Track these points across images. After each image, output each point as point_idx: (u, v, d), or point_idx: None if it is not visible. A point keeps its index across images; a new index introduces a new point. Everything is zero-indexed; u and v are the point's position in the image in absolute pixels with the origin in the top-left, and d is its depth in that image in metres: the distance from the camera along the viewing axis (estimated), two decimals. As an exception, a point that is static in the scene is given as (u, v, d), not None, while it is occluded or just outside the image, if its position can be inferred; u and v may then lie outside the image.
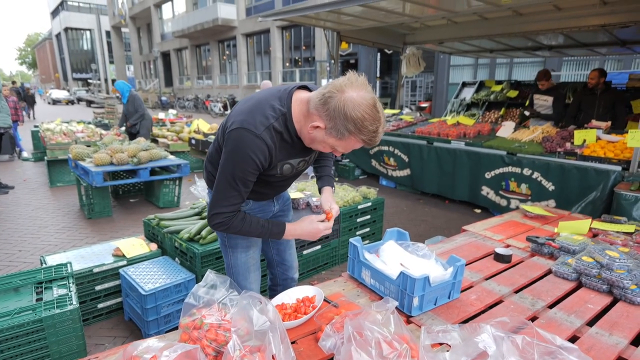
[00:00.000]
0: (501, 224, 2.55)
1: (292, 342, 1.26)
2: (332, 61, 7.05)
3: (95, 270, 2.52)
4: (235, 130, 1.29)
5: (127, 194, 5.70)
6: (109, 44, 41.98)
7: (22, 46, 79.62)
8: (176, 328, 1.26)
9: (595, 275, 1.68)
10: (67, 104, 31.62)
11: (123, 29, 40.48)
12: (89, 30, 46.99)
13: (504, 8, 4.91)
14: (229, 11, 23.19)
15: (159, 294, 2.34)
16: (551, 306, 1.56)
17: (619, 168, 3.70)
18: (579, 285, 1.73)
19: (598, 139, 4.18)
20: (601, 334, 1.36)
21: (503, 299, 1.61)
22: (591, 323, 1.45)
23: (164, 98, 26.97)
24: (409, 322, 1.41)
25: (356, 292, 1.61)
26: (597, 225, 2.40)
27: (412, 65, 7.50)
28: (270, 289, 2.00)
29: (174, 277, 2.45)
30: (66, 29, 47.31)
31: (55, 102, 31.62)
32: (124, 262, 2.63)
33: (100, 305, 2.62)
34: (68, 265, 2.26)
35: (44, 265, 2.29)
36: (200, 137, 7.57)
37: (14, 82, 17.77)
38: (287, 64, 22.08)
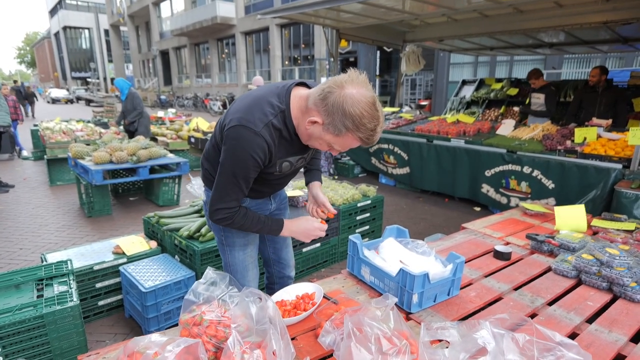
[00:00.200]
0: (501, 221, 2.55)
1: (292, 339, 1.26)
2: (332, 59, 7.04)
3: (96, 267, 2.53)
4: (234, 127, 1.28)
5: (126, 193, 5.70)
6: (108, 42, 41.89)
7: (21, 45, 79.54)
8: (176, 325, 1.26)
9: (595, 273, 1.68)
10: (66, 103, 31.56)
11: (121, 28, 40.38)
12: (88, 28, 46.83)
13: (504, 5, 4.90)
14: (228, 9, 23.14)
15: (159, 292, 2.34)
16: (551, 303, 1.56)
17: (619, 166, 3.70)
18: (579, 283, 1.73)
19: (599, 136, 4.18)
20: (600, 331, 1.37)
21: (502, 296, 1.61)
22: (591, 320, 1.45)
23: (163, 97, 26.93)
24: (408, 318, 1.41)
25: (356, 289, 1.61)
26: (597, 223, 2.40)
27: (412, 63, 7.48)
28: (267, 287, 2.00)
29: (174, 274, 2.46)
30: (65, 28, 47.20)
31: (54, 101, 31.57)
32: (124, 260, 2.64)
33: (100, 303, 2.63)
34: (68, 262, 2.26)
35: (44, 263, 2.30)
36: (199, 135, 7.57)
37: (15, 82, 17.82)
38: (287, 62, 22.05)
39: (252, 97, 1.37)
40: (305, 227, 1.54)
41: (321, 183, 1.77)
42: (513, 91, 7.35)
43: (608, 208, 3.63)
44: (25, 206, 5.13)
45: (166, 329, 2.36)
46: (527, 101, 5.95)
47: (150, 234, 3.06)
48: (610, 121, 4.60)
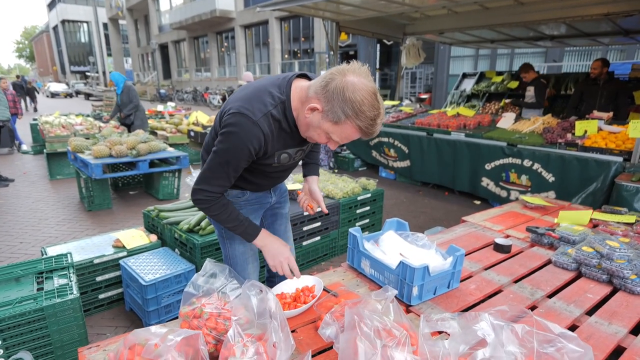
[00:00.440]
0: (501, 214, 2.54)
1: (292, 331, 1.26)
2: (332, 52, 6.99)
3: (96, 261, 2.53)
4: (233, 114, 1.27)
5: (126, 187, 5.70)
6: (107, 36, 41.60)
7: (20, 39, 79.14)
8: (177, 318, 1.26)
9: (595, 265, 1.68)
10: (65, 97, 31.48)
11: (120, 21, 40.09)
12: (86, 22, 46.52)
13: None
14: (227, 2, 22.96)
15: (159, 285, 2.35)
16: (550, 296, 1.56)
17: (620, 159, 3.69)
18: (579, 275, 1.73)
19: (599, 129, 4.16)
20: (600, 323, 1.37)
21: (502, 288, 1.61)
22: (590, 312, 1.45)
23: (162, 91, 26.82)
24: (408, 311, 1.41)
25: (356, 281, 1.61)
26: (598, 216, 2.39)
27: (412, 56, 7.43)
28: (268, 280, 2.00)
29: (174, 267, 2.46)
30: (63, 22, 46.87)
31: (53, 95, 31.49)
32: (124, 253, 2.64)
33: (101, 296, 2.63)
34: (68, 255, 2.26)
35: (44, 256, 2.30)
36: (199, 129, 7.55)
37: (18, 77, 17.82)
38: (286, 56, 21.93)
39: (252, 87, 1.36)
40: (278, 249, 1.49)
41: (318, 177, 1.76)
42: (514, 84, 7.31)
43: (608, 201, 3.62)
44: (25, 200, 5.12)
45: (166, 322, 2.38)
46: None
47: (150, 228, 3.06)
48: (611, 114, 4.58)
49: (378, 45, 17.04)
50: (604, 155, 3.79)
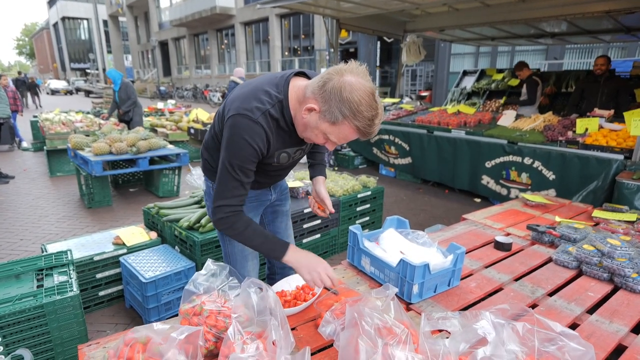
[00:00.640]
0: (501, 212, 2.54)
1: (292, 329, 1.26)
2: (332, 50, 6.97)
3: (96, 258, 2.53)
4: (232, 117, 1.26)
5: (126, 184, 5.70)
6: (107, 33, 41.51)
7: (20, 36, 78.87)
8: (176, 315, 1.26)
9: (596, 264, 1.67)
10: (65, 94, 31.42)
11: (120, 18, 39.97)
12: (87, 19, 46.37)
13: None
14: (227, -1, 22.92)
15: (159, 282, 2.34)
16: (551, 294, 1.56)
17: (621, 157, 3.68)
18: (580, 274, 1.73)
19: (600, 127, 4.15)
20: (601, 322, 1.36)
21: (503, 286, 1.61)
22: (591, 311, 1.45)
23: (162, 88, 26.77)
24: (408, 309, 1.41)
25: (356, 279, 1.61)
26: (599, 214, 2.39)
27: (413, 53, 7.41)
28: (268, 278, 2.00)
29: (174, 265, 2.46)
30: (63, 19, 46.74)
31: (53, 92, 31.43)
32: (124, 251, 2.64)
33: (101, 293, 2.63)
34: (68, 252, 2.26)
35: (44, 253, 2.30)
36: (199, 126, 7.54)
37: (20, 73, 17.82)
38: (286, 53, 21.87)
39: (250, 86, 1.35)
40: (311, 262, 1.35)
41: (325, 177, 1.74)
42: (514, 82, 7.29)
43: (609, 199, 3.62)
44: (25, 197, 5.12)
45: (166, 319, 2.38)
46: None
47: (150, 225, 3.06)
48: (612, 112, 4.57)
49: (378, 43, 17.01)
50: (605, 153, 3.78)
